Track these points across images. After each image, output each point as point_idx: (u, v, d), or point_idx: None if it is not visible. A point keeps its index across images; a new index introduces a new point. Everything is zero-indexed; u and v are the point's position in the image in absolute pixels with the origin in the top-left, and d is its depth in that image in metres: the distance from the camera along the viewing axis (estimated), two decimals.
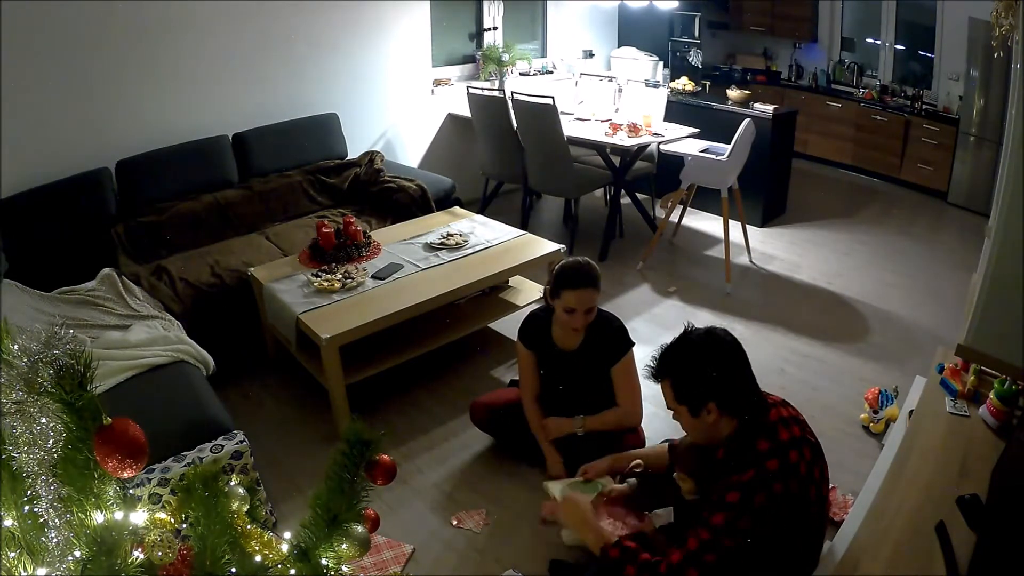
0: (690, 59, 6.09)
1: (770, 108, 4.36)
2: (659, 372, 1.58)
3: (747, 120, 3.61)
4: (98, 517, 0.80)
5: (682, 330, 1.60)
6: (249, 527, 0.95)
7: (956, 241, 4.39)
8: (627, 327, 2.26)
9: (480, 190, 4.56)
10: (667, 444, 1.90)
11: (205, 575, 0.84)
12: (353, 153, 4.04)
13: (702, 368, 1.50)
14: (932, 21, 5.26)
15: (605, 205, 4.66)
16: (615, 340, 2.23)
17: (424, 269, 2.88)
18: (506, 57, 4.76)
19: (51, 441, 0.78)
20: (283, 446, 2.51)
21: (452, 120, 4.82)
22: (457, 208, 3.65)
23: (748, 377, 1.53)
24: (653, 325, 3.31)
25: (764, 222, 4.61)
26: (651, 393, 2.06)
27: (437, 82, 4.66)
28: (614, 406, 2.26)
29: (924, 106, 5.39)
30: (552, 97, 3.75)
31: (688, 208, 4.41)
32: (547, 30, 5.42)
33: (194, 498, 0.85)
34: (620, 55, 5.53)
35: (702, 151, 3.81)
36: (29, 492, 0.78)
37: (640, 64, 5.29)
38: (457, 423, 2.63)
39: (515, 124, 4.02)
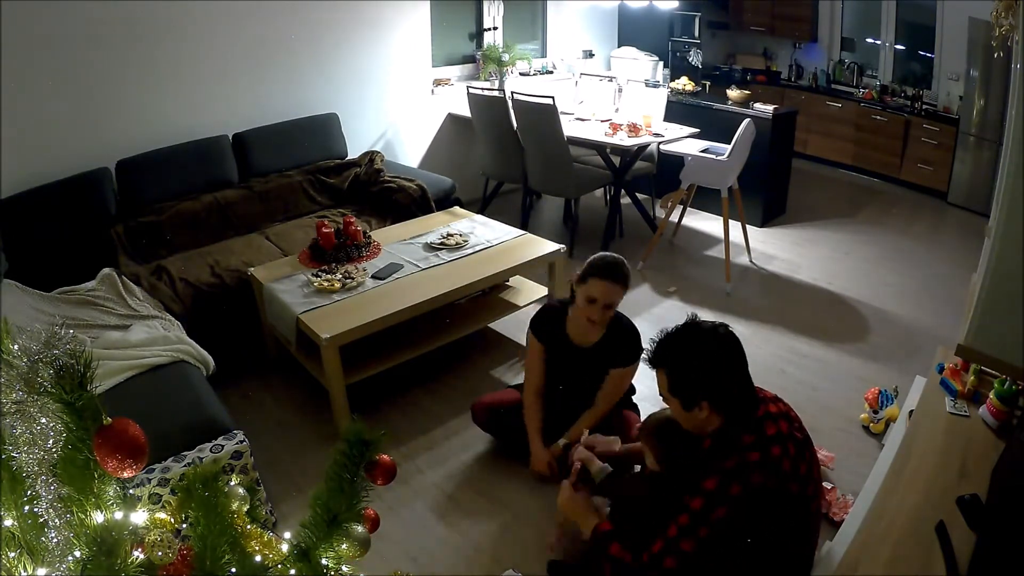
0: (690, 59, 6.08)
1: (770, 108, 4.35)
2: (656, 360, 1.56)
3: (747, 120, 3.61)
4: (98, 517, 0.80)
5: (685, 320, 1.58)
6: (249, 527, 0.95)
7: (956, 241, 4.39)
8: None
9: (480, 190, 4.56)
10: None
11: (205, 575, 0.84)
12: (353, 153, 4.04)
13: (700, 367, 1.49)
14: (932, 21, 5.26)
15: (605, 205, 4.66)
16: (630, 344, 2.22)
17: (424, 269, 2.88)
18: (506, 57, 4.76)
19: (51, 441, 0.78)
20: (283, 446, 2.51)
21: (452, 120, 4.82)
22: (457, 208, 3.65)
23: (744, 378, 1.53)
24: (653, 325, 3.28)
25: (764, 222, 4.61)
26: (647, 378, 2.06)
27: (437, 82, 4.66)
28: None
29: (924, 106, 5.39)
30: (552, 97, 3.75)
31: (688, 208, 4.41)
32: (547, 30, 5.41)
33: (194, 498, 0.85)
34: (620, 55, 5.52)
35: (702, 151, 3.81)
36: (29, 492, 0.78)
37: (640, 64, 5.28)
38: (457, 423, 2.62)
39: (515, 124, 4.02)
